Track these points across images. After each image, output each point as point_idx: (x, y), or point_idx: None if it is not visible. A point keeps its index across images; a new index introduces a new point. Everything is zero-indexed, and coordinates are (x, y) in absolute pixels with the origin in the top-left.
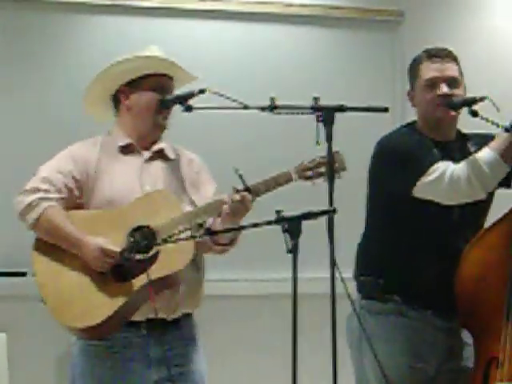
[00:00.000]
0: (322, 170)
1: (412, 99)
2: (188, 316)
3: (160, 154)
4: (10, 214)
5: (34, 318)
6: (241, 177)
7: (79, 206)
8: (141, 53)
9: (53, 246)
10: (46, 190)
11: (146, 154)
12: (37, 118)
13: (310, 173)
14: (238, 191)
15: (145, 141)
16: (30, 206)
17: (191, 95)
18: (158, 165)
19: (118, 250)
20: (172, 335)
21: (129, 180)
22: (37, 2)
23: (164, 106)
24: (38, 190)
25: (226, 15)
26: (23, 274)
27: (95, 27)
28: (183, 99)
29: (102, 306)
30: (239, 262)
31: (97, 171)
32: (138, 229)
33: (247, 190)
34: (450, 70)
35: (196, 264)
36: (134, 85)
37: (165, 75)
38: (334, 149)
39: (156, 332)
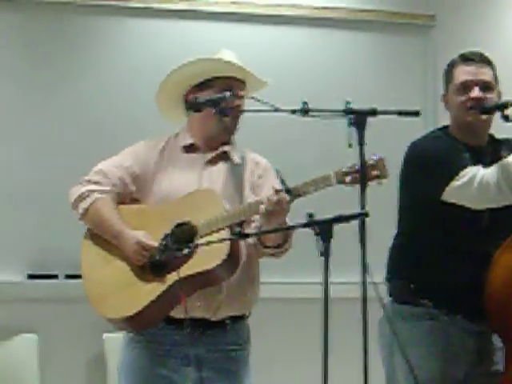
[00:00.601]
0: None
1: (446, 103)
2: (237, 319)
3: (224, 156)
4: (42, 216)
5: (64, 320)
6: (281, 178)
7: (136, 202)
8: (212, 55)
9: (101, 236)
10: (98, 183)
11: (209, 155)
12: (76, 120)
13: (349, 178)
14: (276, 192)
15: (211, 142)
16: (81, 197)
17: (223, 98)
18: (220, 167)
19: (156, 244)
20: (215, 337)
21: (188, 179)
22: (79, 6)
23: (193, 108)
24: (90, 181)
25: (258, 19)
26: (54, 277)
27: (136, 30)
28: (215, 102)
29: (137, 297)
30: (270, 265)
31: (156, 169)
32: (180, 225)
33: (287, 191)
34: (483, 74)
35: (245, 267)
36: (202, 86)
37: (235, 78)
38: (378, 155)
39: (198, 332)
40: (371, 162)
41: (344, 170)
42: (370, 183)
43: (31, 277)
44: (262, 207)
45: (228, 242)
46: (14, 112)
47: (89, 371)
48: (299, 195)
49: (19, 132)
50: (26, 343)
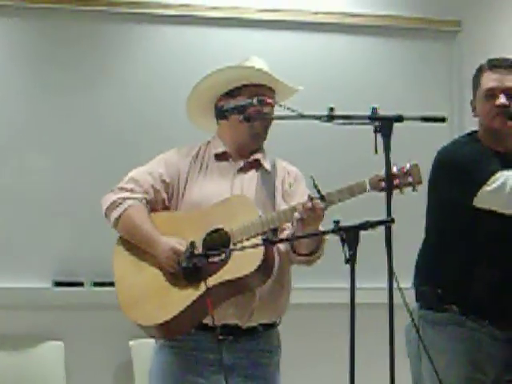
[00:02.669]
0: (395, 181)
1: (474, 109)
2: (268, 326)
3: (256, 164)
4: (69, 224)
5: (91, 328)
6: (316, 185)
7: (167, 209)
8: (241, 63)
9: (134, 243)
10: (131, 190)
11: (241, 163)
12: (104, 128)
13: (382, 184)
14: (311, 199)
15: (242, 150)
16: (114, 205)
17: (250, 105)
18: (251, 175)
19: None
20: (247, 344)
21: (219, 187)
22: (105, 13)
23: (220, 116)
24: (123, 189)
25: (282, 25)
26: (81, 284)
27: (160, 37)
28: (242, 109)
29: (169, 304)
30: (297, 271)
31: (188, 177)
32: (214, 232)
33: (321, 198)
34: (510, 80)
35: (278, 275)
36: (232, 94)
37: (263, 86)
38: (411, 162)
39: (229, 339)
40: (406, 168)
41: (378, 177)
42: (405, 190)
43: (58, 284)
44: (296, 214)
45: (262, 249)
46: (42, 121)
47: (115, 379)
48: (333, 202)
49: (48, 140)
50: (52, 350)
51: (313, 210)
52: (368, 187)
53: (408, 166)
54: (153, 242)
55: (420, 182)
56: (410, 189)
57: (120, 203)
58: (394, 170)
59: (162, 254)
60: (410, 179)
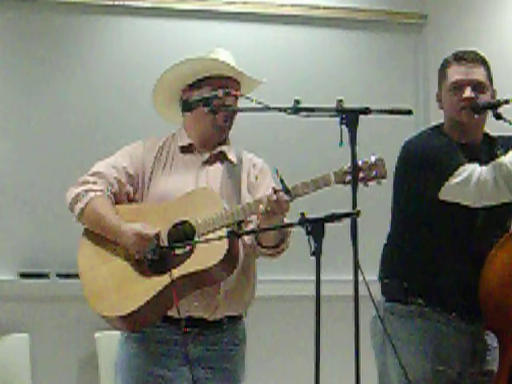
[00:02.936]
0: (360, 175)
1: (439, 101)
2: (234, 319)
3: (221, 157)
4: (34, 215)
5: (56, 320)
6: (281, 178)
7: (133, 202)
8: (207, 54)
9: (100, 236)
10: (93, 183)
11: (206, 156)
12: (68, 119)
13: (348, 177)
14: (275, 192)
15: (206, 142)
16: (77, 198)
17: (214, 97)
18: (217, 167)
19: (154, 231)
20: (213, 336)
21: (185, 179)
22: (71, 4)
23: (186, 107)
24: (86, 182)
25: (250, 17)
26: (46, 276)
27: (128, 29)
28: (207, 101)
29: (133, 296)
30: (262, 264)
31: (153, 170)
32: (179, 224)
33: (286, 191)
34: (476, 73)
35: (243, 267)
36: (195, 86)
37: (228, 77)
38: (376, 155)
39: (195, 331)
40: (371, 162)
41: (343, 170)
42: (369, 183)
43: (23, 275)
44: (261, 207)
45: (226, 242)
46: (4, 110)
47: (81, 370)
48: (298, 195)
49: (10, 130)
50: (17, 343)
51: (277, 203)
52: (333, 180)
53: (373, 159)
54: (117, 229)
55: (384, 177)
56: (374, 182)
57: (83, 196)
58: (360, 163)
59: (129, 241)
60: (374, 173)
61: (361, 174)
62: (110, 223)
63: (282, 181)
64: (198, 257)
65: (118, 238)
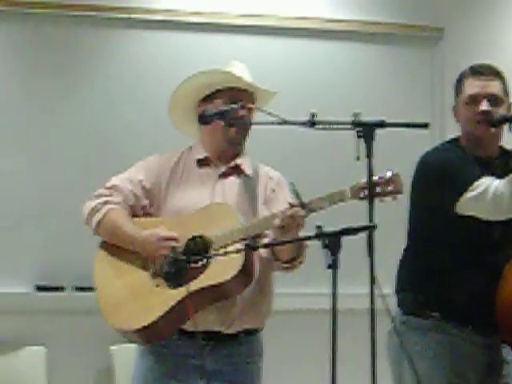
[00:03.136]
0: (376, 190)
1: (456, 115)
2: (250, 332)
3: (236, 170)
4: (51, 229)
5: (72, 332)
6: (296, 192)
7: (148, 216)
8: (223, 67)
9: (116, 248)
10: (110, 195)
11: (222, 169)
12: (82, 133)
13: (363, 193)
14: (291, 206)
15: (222, 155)
16: (94, 210)
17: (231, 110)
18: (232, 180)
19: (175, 234)
20: (229, 349)
21: (201, 193)
22: (87, 18)
23: (203, 121)
24: (102, 195)
25: (266, 30)
26: (62, 289)
27: (143, 42)
28: (223, 114)
29: (149, 309)
30: (278, 277)
31: (170, 183)
32: (195, 238)
33: (302, 205)
34: (492, 86)
35: (259, 281)
36: (210, 99)
37: (242, 90)
38: (392, 171)
39: (211, 344)
40: (387, 177)
41: (359, 185)
42: (385, 199)
43: (39, 289)
44: (277, 221)
45: (242, 256)
46: (20, 125)
47: (97, 383)
48: (314, 210)
49: (26, 143)
50: (33, 355)
51: (293, 218)
52: (349, 195)
53: (389, 174)
54: (136, 238)
55: (400, 192)
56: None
57: (99, 208)
58: (376, 178)
59: (150, 246)
60: (390, 188)
61: (377, 189)
62: (127, 232)
63: (297, 195)
64: (213, 271)
65: (138, 246)
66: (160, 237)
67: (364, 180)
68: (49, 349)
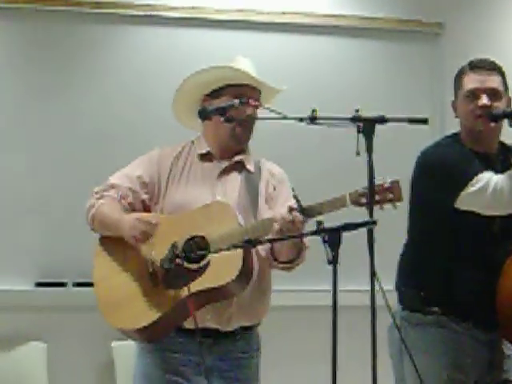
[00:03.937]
0: (377, 197)
1: (455, 110)
2: (247, 329)
3: (239, 166)
4: (51, 224)
5: (73, 329)
6: (296, 197)
7: (148, 210)
8: (227, 63)
9: (115, 245)
10: (105, 190)
11: (224, 165)
12: (83, 128)
13: (363, 199)
14: (291, 211)
15: (225, 151)
16: (90, 207)
17: (231, 106)
18: (234, 176)
19: (153, 221)
20: (226, 346)
21: (202, 189)
22: (86, 14)
23: (202, 117)
24: (99, 193)
25: (269, 27)
26: (63, 285)
27: (142, 38)
28: (223, 110)
29: (148, 310)
30: (278, 274)
31: (170, 176)
32: (193, 238)
33: (301, 210)
34: (492, 81)
35: (258, 280)
36: (215, 94)
37: (247, 85)
38: (392, 178)
39: (209, 341)
40: (386, 184)
41: (359, 191)
42: (384, 206)
43: (39, 285)
44: (276, 226)
45: (241, 257)
46: (20, 121)
47: (97, 379)
48: (313, 216)
49: (26, 140)
50: (34, 351)
51: (292, 223)
52: (348, 202)
53: (389, 182)
54: (119, 221)
55: (400, 200)
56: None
57: (94, 204)
58: (375, 186)
59: (126, 226)
60: (390, 196)
61: (376, 197)
62: (113, 217)
63: (297, 200)
64: (213, 272)
65: (119, 226)
66: (137, 217)
67: (363, 187)
68: (49, 345)
